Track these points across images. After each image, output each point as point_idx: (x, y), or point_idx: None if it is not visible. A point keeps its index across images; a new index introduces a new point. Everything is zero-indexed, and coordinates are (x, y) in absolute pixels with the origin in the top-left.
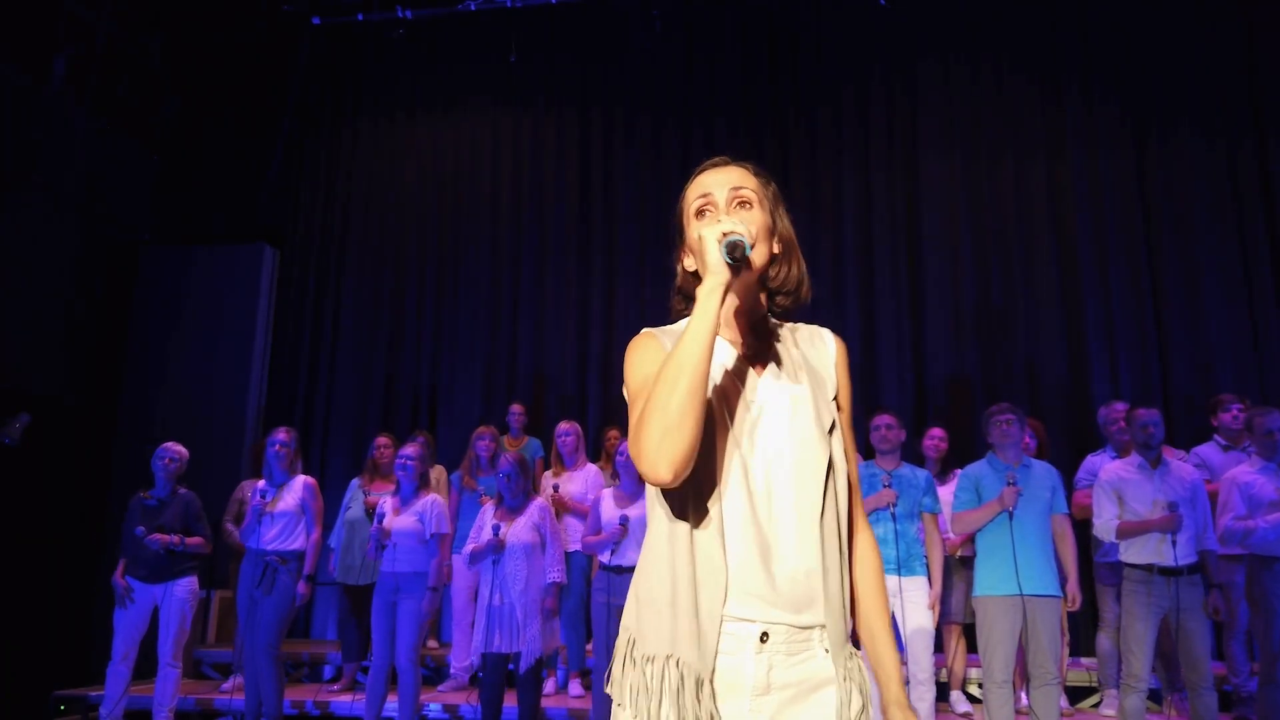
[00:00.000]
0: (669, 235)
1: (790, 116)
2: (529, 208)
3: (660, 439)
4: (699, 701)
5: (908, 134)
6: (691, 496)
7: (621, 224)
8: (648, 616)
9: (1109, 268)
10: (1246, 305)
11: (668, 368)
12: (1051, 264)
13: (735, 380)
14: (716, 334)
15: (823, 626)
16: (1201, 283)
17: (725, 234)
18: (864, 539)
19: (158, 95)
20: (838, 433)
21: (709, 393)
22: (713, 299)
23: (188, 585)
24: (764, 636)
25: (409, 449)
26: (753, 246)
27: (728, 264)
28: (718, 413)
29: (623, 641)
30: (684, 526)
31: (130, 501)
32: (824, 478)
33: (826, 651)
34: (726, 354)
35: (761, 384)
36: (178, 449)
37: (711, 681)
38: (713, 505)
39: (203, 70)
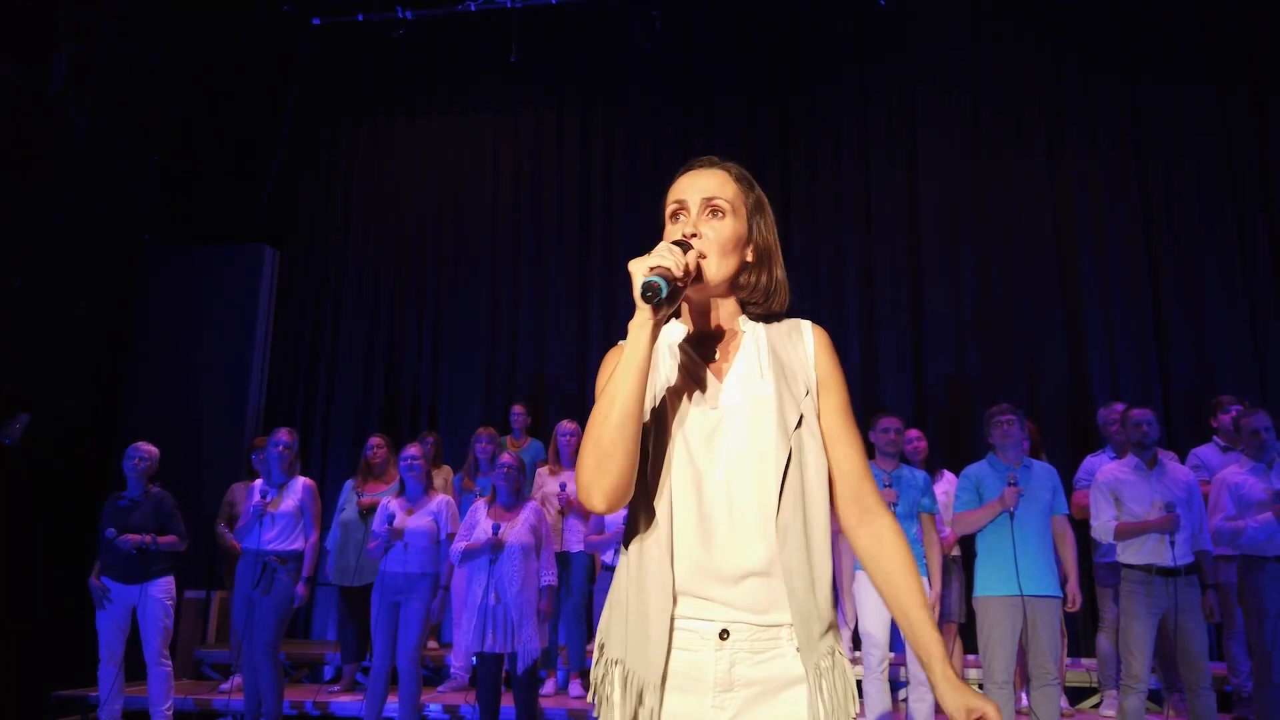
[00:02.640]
0: None
1: (791, 115)
2: (529, 207)
3: (593, 470)
4: (644, 706)
5: (908, 133)
6: (644, 508)
7: (622, 223)
8: (613, 621)
9: (1109, 268)
10: (1247, 306)
11: (602, 399)
12: (1051, 264)
13: (697, 389)
14: (648, 366)
15: (791, 625)
16: (1202, 283)
17: (651, 269)
18: (883, 524)
19: (158, 95)
20: (809, 428)
21: (667, 401)
22: (640, 334)
23: (164, 586)
24: (724, 634)
25: (413, 449)
26: (683, 280)
27: (645, 302)
28: (674, 420)
29: (596, 644)
30: (641, 535)
31: (104, 504)
32: (782, 477)
33: (798, 650)
34: (689, 363)
35: (724, 389)
36: (147, 448)
37: (662, 688)
38: (664, 515)
39: (203, 70)
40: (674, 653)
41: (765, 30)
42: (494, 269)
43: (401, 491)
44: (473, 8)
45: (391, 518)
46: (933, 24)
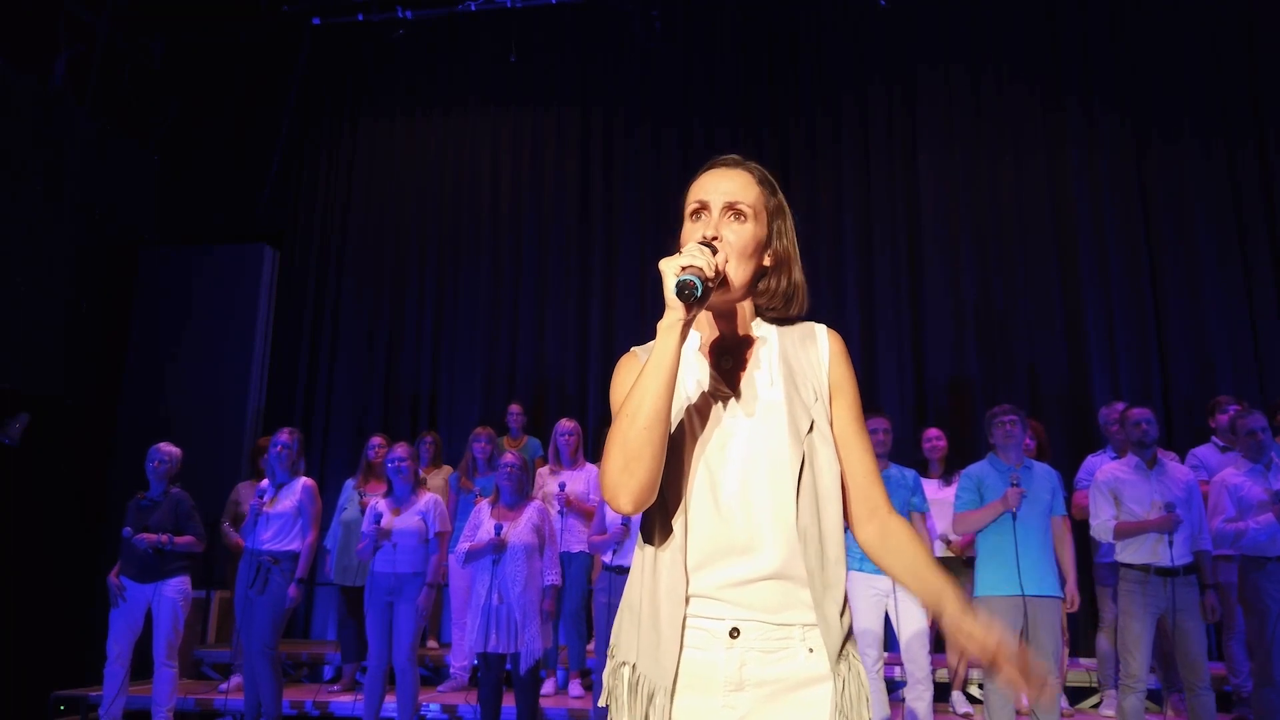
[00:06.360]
0: (670, 234)
1: (790, 116)
2: (529, 208)
3: (620, 471)
4: (653, 708)
5: (907, 134)
6: (659, 511)
7: (621, 223)
8: (624, 624)
9: (1109, 268)
10: (1246, 306)
11: (629, 400)
12: (1051, 264)
13: (710, 396)
14: (677, 367)
15: (804, 625)
16: (1201, 284)
17: (684, 268)
18: (891, 521)
19: (158, 95)
20: (820, 433)
21: (680, 409)
22: (670, 335)
23: (178, 585)
24: (734, 632)
25: (399, 450)
26: (713, 281)
27: (680, 301)
28: (688, 427)
29: (609, 646)
30: (655, 539)
31: (128, 504)
32: (796, 482)
33: (811, 651)
34: (702, 368)
35: (737, 397)
36: (168, 449)
37: (672, 692)
38: (678, 519)
39: (203, 70)
40: (684, 652)
41: (765, 31)
42: (494, 269)
43: (389, 492)
44: (473, 8)
45: (379, 517)
46: (933, 21)
